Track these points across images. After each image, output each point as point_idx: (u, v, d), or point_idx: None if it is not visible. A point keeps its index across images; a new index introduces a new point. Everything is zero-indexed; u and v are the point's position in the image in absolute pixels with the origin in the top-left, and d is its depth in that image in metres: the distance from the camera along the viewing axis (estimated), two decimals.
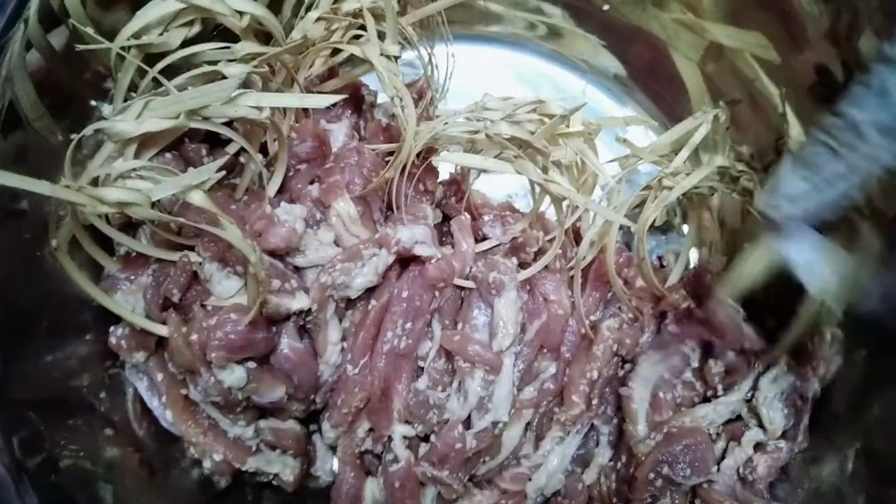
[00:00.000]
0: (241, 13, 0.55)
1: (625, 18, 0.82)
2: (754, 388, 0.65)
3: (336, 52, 0.67)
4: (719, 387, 0.66)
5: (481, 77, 0.82)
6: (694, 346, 0.67)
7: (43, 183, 0.44)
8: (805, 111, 0.68)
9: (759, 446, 0.65)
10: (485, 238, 0.66)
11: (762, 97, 0.73)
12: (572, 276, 0.65)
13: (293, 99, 0.55)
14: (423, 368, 0.64)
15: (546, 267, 0.64)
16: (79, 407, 0.60)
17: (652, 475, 0.62)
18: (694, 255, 0.76)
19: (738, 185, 0.67)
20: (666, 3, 0.78)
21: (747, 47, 0.73)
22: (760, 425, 0.65)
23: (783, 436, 0.65)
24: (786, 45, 0.69)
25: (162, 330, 0.56)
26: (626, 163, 0.69)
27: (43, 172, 0.50)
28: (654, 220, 0.66)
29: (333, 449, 0.67)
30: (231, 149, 0.62)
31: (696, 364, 0.67)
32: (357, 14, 0.63)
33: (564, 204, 0.62)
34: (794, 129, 0.67)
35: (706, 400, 0.67)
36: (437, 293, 0.62)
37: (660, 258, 0.73)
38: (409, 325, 0.62)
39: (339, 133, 0.66)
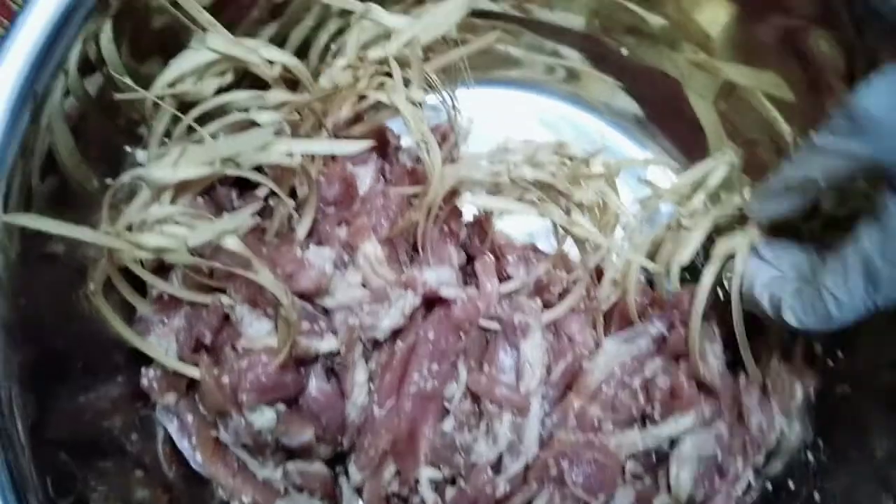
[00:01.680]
0: (271, 62, 0.57)
1: (640, 60, 0.83)
2: (675, 444, 0.63)
3: (362, 97, 0.68)
4: (656, 406, 0.64)
5: (502, 120, 0.84)
6: (660, 329, 0.65)
7: (85, 229, 0.46)
8: None
9: None
10: (508, 278, 0.66)
11: (780, 137, 0.74)
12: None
13: (324, 146, 0.56)
14: (448, 410, 0.64)
15: (573, 310, 0.64)
16: (110, 448, 0.60)
17: (552, 462, 0.61)
18: None
19: None
20: (678, 43, 0.80)
21: (761, 86, 0.74)
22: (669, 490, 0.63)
23: None
24: (802, 86, 0.70)
25: (194, 372, 0.57)
26: (647, 203, 0.69)
27: (75, 216, 0.51)
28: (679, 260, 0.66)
29: (360, 491, 0.67)
30: (260, 192, 0.64)
31: (649, 374, 0.65)
32: (382, 62, 0.65)
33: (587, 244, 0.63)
34: None
35: (640, 420, 0.66)
36: (462, 335, 0.63)
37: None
38: (434, 366, 0.62)
39: (365, 176, 0.68)
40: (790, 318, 0.53)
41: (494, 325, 0.63)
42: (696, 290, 0.61)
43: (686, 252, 0.65)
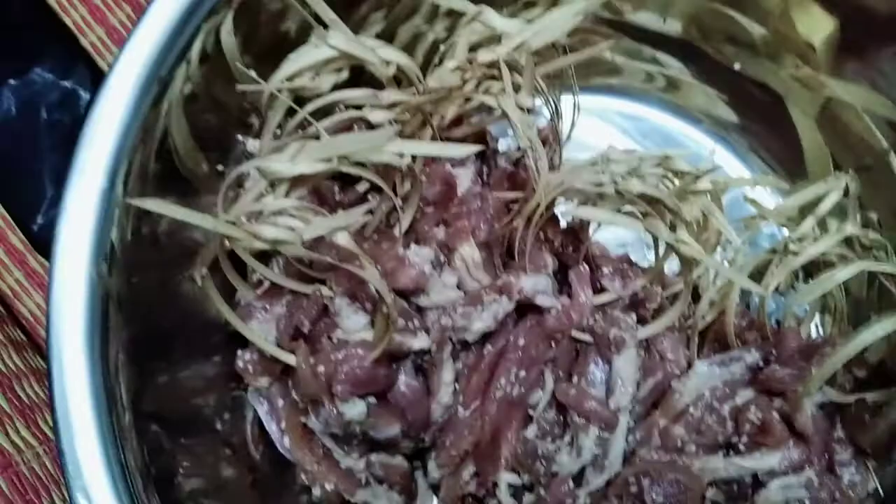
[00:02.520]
0: (388, 62, 0.58)
1: (743, 70, 0.81)
2: (762, 485, 0.61)
3: (467, 99, 0.69)
4: (743, 438, 0.62)
5: (600, 128, 0.83)
6: (757, 359, 0.64)
7: (206, 217, 0.47)
8: None
9: None
10: (603, 290, 0.66)
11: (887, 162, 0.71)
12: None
13: (435, 148, 0.57)
14: (532, 417, 0.64)
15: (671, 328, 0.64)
16: (201, 425, 0.62)
17: (632, 479, 0.60)
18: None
19: (869, 254, 0.65)
20: (780, 56, 0.77)
21: (866, 104, 0.71)
22: None
23: None
24: None
25: (290, 359, 0.58)
26: (751, 223, 0.68)
27: (183, 200, 0.53)
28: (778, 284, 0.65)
29: (435, 488, 0.68)
30: (361, 187, 0.65)
31: (739, 402, 0.63)
32: (492, 64, 0.65)
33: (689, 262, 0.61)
34: None
35: (725, 448, 0.64)
36: (553, 344, 0.62)
37: (778, 322, 0.71)
38: (522, 373, 0.62)
39: (464, 178, 0.68)
40: None
41: (587, 338, 0.62)
42: (850, 341, 0.58)
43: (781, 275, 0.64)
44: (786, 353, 0.61)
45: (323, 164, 0.50)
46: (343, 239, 0.49)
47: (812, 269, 0.73)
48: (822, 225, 0.70)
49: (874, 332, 0.57)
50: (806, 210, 0.68)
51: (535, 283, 0.61)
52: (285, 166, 0.49)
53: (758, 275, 0.69)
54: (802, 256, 0.63)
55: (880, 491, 0.62)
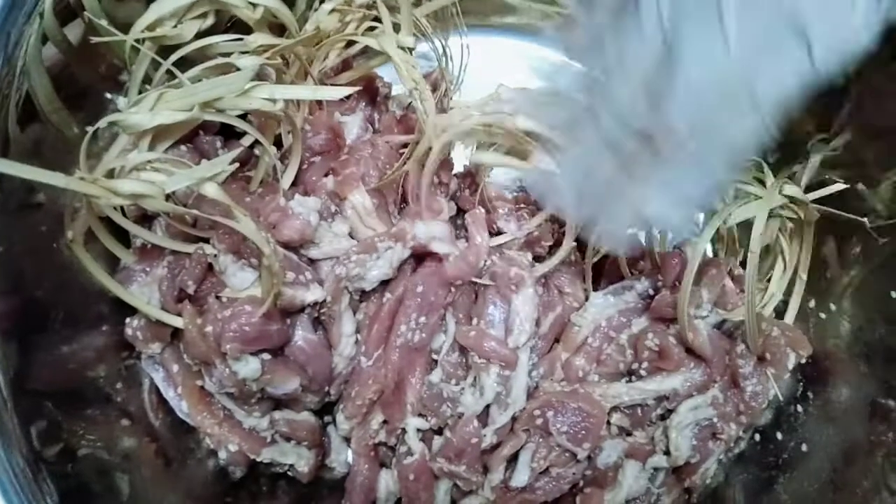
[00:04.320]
0: (254, 5, 0.55)
1: None
2: (672, 411, 0.64)
3: (350, 44, 0.67)
4: (644, 364, 0.64)
5: (495, 68, 0.81)
6: (647, 287, 0.65)
7: (58, 175, 0.45)
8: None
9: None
10: (499, 232, 0.65)
11: None
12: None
13: (307, 91, 0.55)
14: (436, 361, 0.64)
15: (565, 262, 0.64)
16: (95, 398, 0.60)
17: (537, 412, 0.61)
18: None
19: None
20: None
21: None
22: (667, 452, 0.64)
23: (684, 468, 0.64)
24: None
25: (177, 321, 0.56)
26: None
27: (59, 165, 0.50)
28: None
29: (348, 441, 0.67)
30: (245, 141, 0.62)
31: (635, 330, 0.65)
32: (371, 6, 0.63)
33: None
34: None
35: (626, 375, 0.66)
36: (452, 289, 0.62)
37: (677, 248, 0.72)
38: (423, 319, 0.62)
39: (353, 125, 0.66)
40: None
41: (487, 282, 0.61)
42: (690, 258, 0.60)
43: None
44: (670, 278, 0.62)
45: (184, 114, 0.47)
46: (212, 190, 0.47)
47: None
48: None
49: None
50: None
51: (429, 230, 0.60)
52: (144, 118, 0.47)
53: None
54: None
55: (780, 396, 0.64)
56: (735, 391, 0.64)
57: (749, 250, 0.60)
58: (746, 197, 0.64)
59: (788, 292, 0.69)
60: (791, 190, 0.64)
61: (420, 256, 0.63)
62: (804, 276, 0.68)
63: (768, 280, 0.69)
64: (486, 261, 0.63)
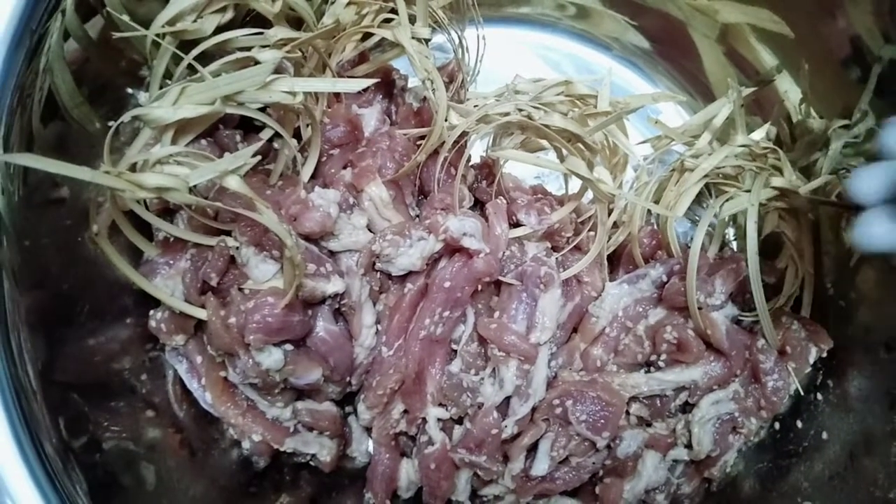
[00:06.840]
0: None
1: (644, 3, 0.81)
2: (694, 405, 0.65)
3: (367, 36, 0.67)
4: (662, 356, 0.64)
5: (511, 59, 0.82)
6: (661, 273, 0.65)
7: (83, 169, 0.45)
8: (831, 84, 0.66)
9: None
10: (518, 224, 0.65)
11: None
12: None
13: (326, 84, 0.55)
14: (455, 351, 0.64)
15: (579, 248, 0.64)
16: (121, 389, 0.61)
17: (556, 401, 0.62)
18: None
19: (767, 162, 0.66)
20: None
21: (758, 22, 0.72)
22: (688, 445, 0.65)
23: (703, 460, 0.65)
24: (816, 15, 0.68)
25: (200, 313, 0.57)
26: (658, 144, 0.68)
27: (82, 160, 0.50)
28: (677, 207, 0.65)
29: (369, 431, 0.68)
30: (265, 134, 0.63)
31: (652, 321, 0.65)
32: None
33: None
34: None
35: (645, 366, 0.66)
36: (479, 286, 0.62)
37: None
38: (447, 313, 0.62)
39: (370, 117, 0.67)
40: None
41: (514, 282, 0.62)
42: (691, 250, 0.61)
43: (684, 200, 0.65)
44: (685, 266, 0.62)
45: (206, 107, 0.48)
46: (235, 183, 0.48)
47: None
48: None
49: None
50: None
51: (462, 225, 0.60)
52: (167, 112, 0.47)
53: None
54: (697, 172, 0.64)
55: (800, 391, 0.64)
56: (756, 386, 0.65)
57: (747, 239, 0.60)
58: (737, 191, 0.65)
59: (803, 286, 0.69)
60: (779, 182, 0.64)
61: (446, 251, 0.63)
62: (811, 270, 0.68)
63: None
64: (504, 252, 0.63)
